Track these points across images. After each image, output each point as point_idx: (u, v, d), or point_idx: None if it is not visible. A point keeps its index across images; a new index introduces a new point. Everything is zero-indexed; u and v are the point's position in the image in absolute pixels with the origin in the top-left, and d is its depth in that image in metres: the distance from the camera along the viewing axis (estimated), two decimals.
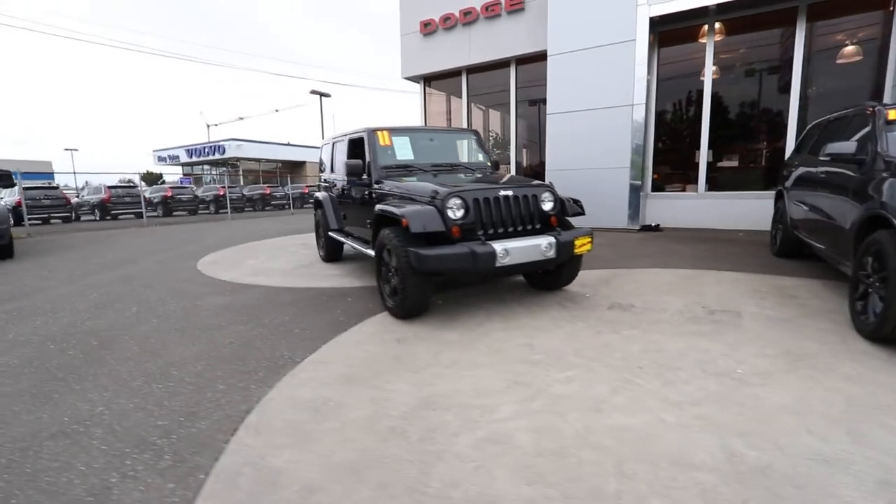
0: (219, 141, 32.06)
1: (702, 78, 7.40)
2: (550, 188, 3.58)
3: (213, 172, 34.74)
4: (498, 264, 3.06)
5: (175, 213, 18.58)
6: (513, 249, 3.11)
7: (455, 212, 3.12)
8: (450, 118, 11.06)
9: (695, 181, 7.70)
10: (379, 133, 4.24)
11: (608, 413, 1.95)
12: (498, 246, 3.06)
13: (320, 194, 5.74)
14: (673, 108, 7.98)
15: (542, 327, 3.08)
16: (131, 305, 3.94)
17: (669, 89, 7.80)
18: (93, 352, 2.84)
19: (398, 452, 1.71)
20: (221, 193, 19.98)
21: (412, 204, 3.32)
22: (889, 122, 3.22)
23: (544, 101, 8.41)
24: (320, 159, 6.14)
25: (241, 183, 26.66)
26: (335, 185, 5.25)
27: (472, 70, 9.75)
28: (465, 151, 4.65)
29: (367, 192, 4.12)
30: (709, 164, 7.58)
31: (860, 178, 3.07)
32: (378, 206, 3.56)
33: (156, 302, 4.03)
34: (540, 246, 3.24)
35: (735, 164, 7.64)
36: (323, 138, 24.02)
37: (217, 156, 32.01)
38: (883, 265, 2.56)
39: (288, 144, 35.38)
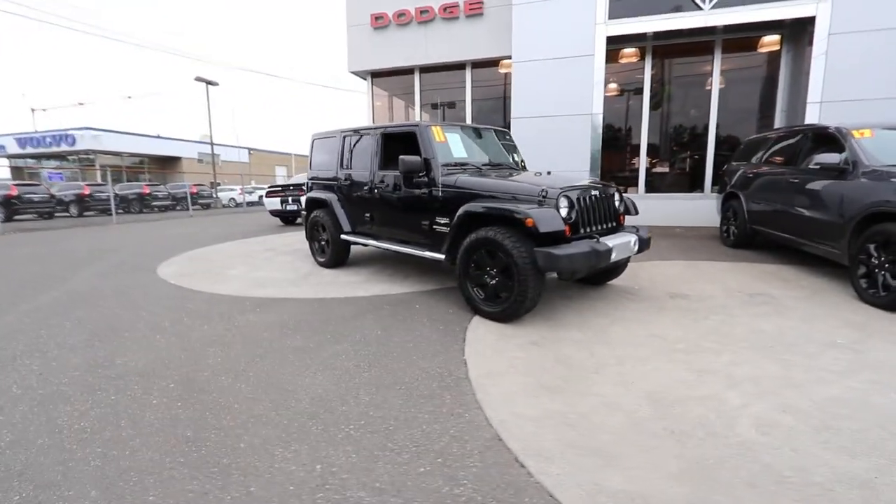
0: (66, 130, 26.07)
1: (644, 93, 8.47)
2: (617, 188, 3.81)
3: (54, 167, 28.26)
4: (611, 261, 3.17)
5: (17, 218, 14.60)
6: (616, 247, 3.24)
7: (565, 210, 3.13)
8: (392, 117, 10.80)
9: (635, 184, 8.78)
10: (434, 128, 4.00)
11: (809, 387, 2.19)
12: (610, 243, 3.17)
13: (321, 194, 5.16)
14: (616, 118, 8.97)
15: (642, 320, 3.26)
16: (159, 333, 3.09)
17: (614, 102, 8.74)
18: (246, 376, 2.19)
19: (711, 452, 1.70)
20: (87, 193, 16.49)
21: (513, 203, 3.22)
22: (848, 137, 4.16)
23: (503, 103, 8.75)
24: (311, 155, 5.51)
25: (101, 180, 22.27)
26: (348, 183, 4.78)
27: (426, 69, 9.67)
28: (503, 150, 4.63)
29: (427, 191, 3.85)
30: (647, 169, 8.71)
31: (854, 183, 3.88)
32: (469, 206, 3.38)
33: (186, 326, 3.21)
34: (629, 243, 3.44)
35: (666, 170, 8.90)
36: (211, 131, 21.30)
37: (64, 147, 26.05)
38: (893, 250, 3.30)
39: (158, 137, 30.48)
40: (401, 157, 3.84)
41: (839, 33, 6.74)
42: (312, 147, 5.49)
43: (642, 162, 8.72)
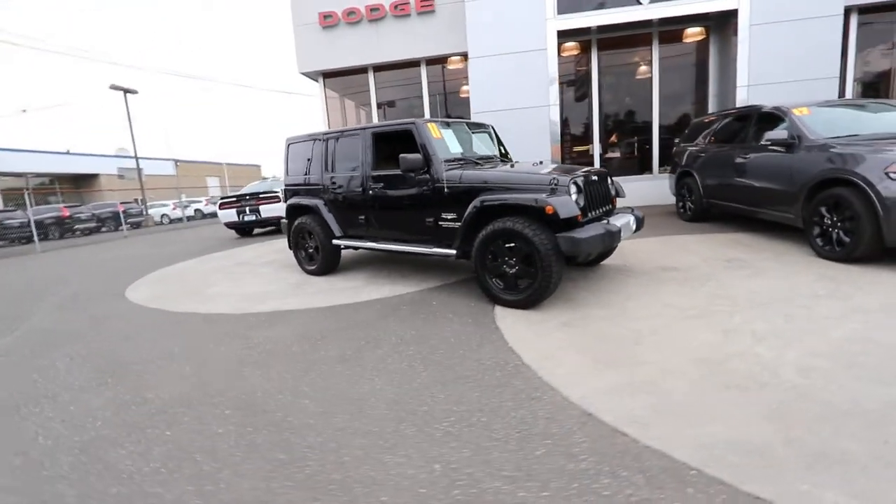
0: None
1: (591, 84, 8.96)
2: (609, 173, 4.05)
3: None
4: (620, 241, 3.38)
5: None
6: (622, 227, 3.46)
7: (575, 196, 3.29)
8: (346, 119, 10.58)
9: None
10: (430, 125, 4.01)
11: (820, 333, 2.50)
12: (618, 223, 3.38)
13: (306, 200, 4.98)
14: (569, 109, 9.41)
15: (650, 293, 3.51)
16: (175, 361, 2.84)
17: (565, 93, 9.16)
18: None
19: (773, 398, 1.91)
20: None
21: (526, 193, 3.33)
22: (790, 115, 4.72)
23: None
24: (287, 160, 5.29)
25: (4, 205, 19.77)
26: (336, 186, 4.66)
27: (380, 68, 9.54)
28: (489, 144, 4.73)
29: (429, 188, 3.85)
30: (600, 155, 9.24)
31: (801, 154, 4.41)
32: (483, 199, 3.44)
33: (201, 350, 2.98)
34: (629, 223, 3.68)
35: (617, 154, 9.49)
36: (134, 143, 19.56)
37: None
38: (848, 210, 3.81)
39: (68, 153, 27.39)
40: (401, 155, 3.82)
41: (759, 24, 7.54)
42: (288, 152, 5.27)
43: (596, 149, 9.23)
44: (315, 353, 2.81)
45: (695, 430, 1.71)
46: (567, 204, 3.14)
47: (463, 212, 3.67)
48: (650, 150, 9.17)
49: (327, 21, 9.03)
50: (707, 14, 8.04)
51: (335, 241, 4.78)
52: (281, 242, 7.97)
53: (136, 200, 21.51)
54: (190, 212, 21.37)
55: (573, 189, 3.29)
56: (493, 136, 4.91)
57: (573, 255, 3.20)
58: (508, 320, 3.14)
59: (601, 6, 8.01)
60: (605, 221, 3.38)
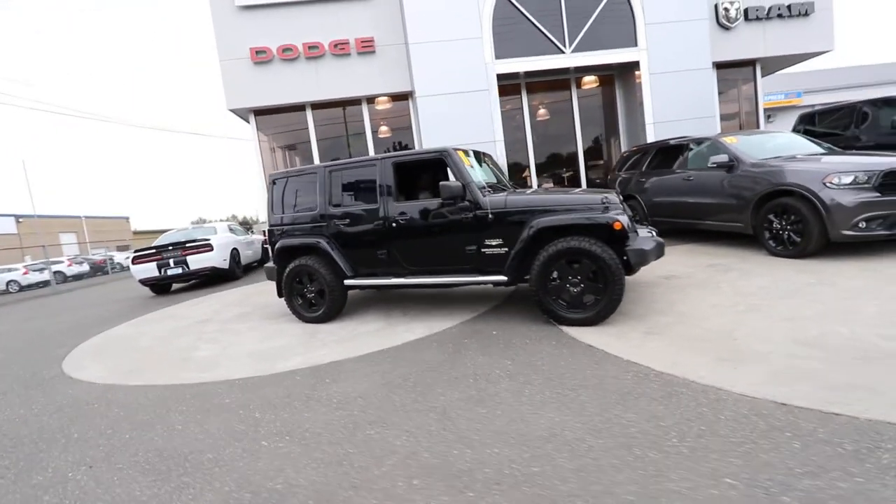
0: None
1: (525, 122, 9.79)
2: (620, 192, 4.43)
3: None
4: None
5: None
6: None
7: (627, 214, 3.52)
8: (275, 159, 9.92)
9: None
10: (460, 152, 3.97)
11: (858, 310, 2.99)
12: (655, 235, 3.69)
13: (304, 239, 4.47)
14: (508, 145, 10.10)
15: (687, 296, 3.85)
16: (290, 444, 2.22)
17: (508, 129, 9.85)
18: None
19: (877, 356, 2.22)
20: None
21: (579, 213, 3.46)
22: (723, 144, 5.73)
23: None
24: (271, 197, 4.73)
25: None
26: (347, 221, 4.30)
27: (318, 106, 9.21)
28: (488, 172, 4.82)
29: (471, 215, 3.77)
30: (538, 185, 10.01)
31: (742, 173, 5.32)
32: (539, 221, 3.48)
33: (279, 424, 2.39)
34: (654, 235, 4.04)
35: (551, 184, 10.38)
36: None
37: None
38: (795, 216, 4.68)
39: None
40: (442, 183, 3.71)
41: (656, 73, 9.10)
42: (273, 188, 4.74)
43: (534, 180, 9.99)
44: (430, 399, 2.48)
45: (886, 397, 1.91)
46: (628, 220, 3.35)
47: (509, 237, 3.67)
48: (578, 177, 10.22)
49: (260, 57, 8.51)
50: (612, 64, 9.45)
51: (348, 282, 4.34)
52: (231, 294, 6.94)
53: None
54: (46, 276, 17.46)
55: (622, 207, 3.53)
56: (497, 164, 5.04)
57: (637, 266, 3.38)
58: (591, 337, 3.16)
59: (531, 53, 8.92)
60: (651, 234, 3.67)
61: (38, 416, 3.01)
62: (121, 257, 25.33)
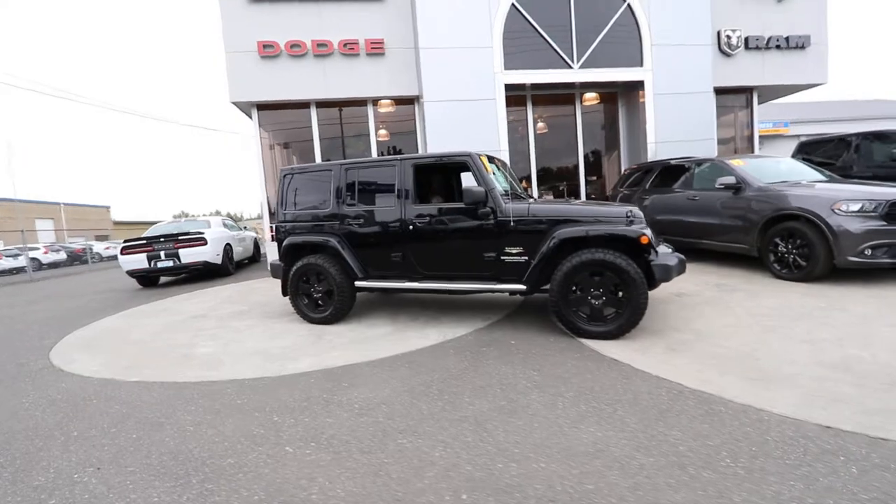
0: None
1: (528, 133, 9.84)
2: None
3: None
4: None
5: None
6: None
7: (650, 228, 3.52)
8: (275, 155, 9.75)
9: None
10: (483, 157, 3.93)
11: (875, 332, 3.02)
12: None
13: (314, 237, 4.36)
14: (512, 154, 10.12)
15: (702, 315, 3.85)
16: (320, 452, 2.09)
17: (511, 139, 9.88)
18: None
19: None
20: None
21: (603, 225, 3.44)
22: (731, 166, 5.83)
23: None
24: (283, 192, 4.60)
25: None
26: (361, 221, 4.20)
27: (323, 104, 9.10)
28: (500, 179, 4.79)
29: (493, 222, 3.71)
30: (538, 193, 10.04)
31: (750, 195, 5.40)
32: (563, 231, 3.44)
33: (311, 427, 2.27)
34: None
35: (551, 196, 10.42)
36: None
37: None
38: (801, 240, 4.76)
39: None
40: (466, 187, 3.66)
41: (660, 94, 9.26)
42: (284, 183, 4.61)
43: (534, 191, 10.02)
44: (459, 408, 2.39)
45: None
46: (653, 235, 3.34)
47: (530, 245, 3.62)
48: (577, 191, 10.30)
49: (267, 51, 8.37)
50: (616, 82, 9.59)
51: (358, 284, 4.23)
52: (225, 290, 6.73)
53: None
54: (22, 262, 16.76)
55: (645, 221, 3.52)
56: (508, 172, 5.01)
57: (661, 281, 3.37)
58: (614, 351, 3.12)
59: (540, 66, 8.99)
60: (671, 251, 3.66)
61: (29, 410, 2.81)
62: (100, 247, 24.50)
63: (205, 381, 3.09)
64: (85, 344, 4.34)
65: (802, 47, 10.13)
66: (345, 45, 8.59)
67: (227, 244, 8.64)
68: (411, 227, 4.01)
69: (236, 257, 9.24)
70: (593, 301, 3.40)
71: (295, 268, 4.41)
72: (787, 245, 4.94)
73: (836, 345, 2.91)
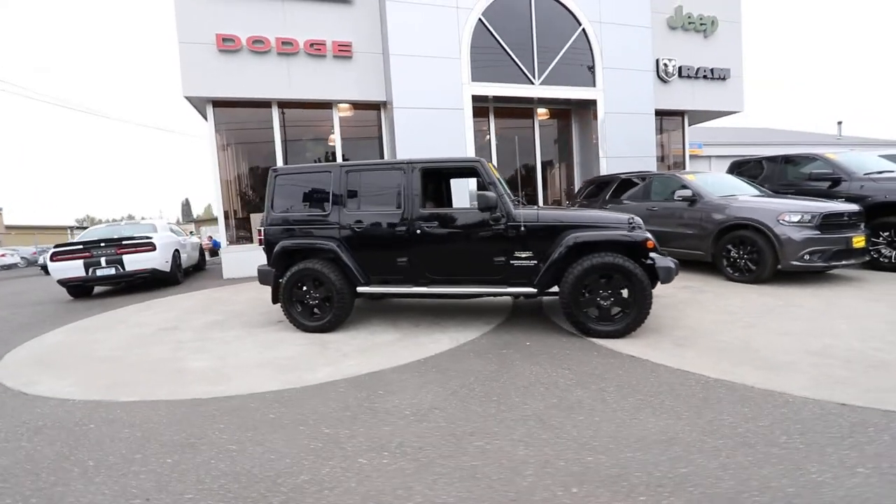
0: None
1: (490, 143, 10.14)
2: None
3: None
4: None
5: None
6: None
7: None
8: (236, 155, 9.15)
9: None
10: (490, 164, 4.02)
11: (862, 325, 3.52)
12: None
13: (311, 241, 4.15)
14: None
15: (687, 312, 4.22)
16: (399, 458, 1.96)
17: (476, 149, 10.11)
18: None
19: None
20: None
21: (608, 230, 3.67)
22: (686, 180, 6.48)
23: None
24: (272, 194, 4.34)
25: None
26: (363, 225, 4.09)
27: (286, 104, 8.70)
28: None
29: (503, 227, 3.80)
30: None
31: (704, 207, 6.04)
32: (576, 235, 3.62)
33: (374, 440, 2.14)
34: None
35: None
36: None
37: None
38: (752, 247, 5.41)
39: None
40: (479, 193, 3.73)
41: (610, 112, 10.03)
42: (275, 184, 4.36)
43: None
44: (515, 408, 2.42)
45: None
46: (656, 239, 3.62)
47: (539, 250, 3.77)
48: (535, 199, 10.78)
49: (227, 45, 7.85)
50: (571, 100, 10.22)
51: (360, 289, 4.10)
52: (185, 300, 6.13)
53: None
54: None
55: (644, 227, 3.81)
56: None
57: (664, 282, 3.65)
58: (627, 348, 3.33)
59: (504, 80, 9.34)
60: (666, 255, 3.99)
61: (10, 441, 2.38)
62: None
63: (218, 396, 2.82)
64: (37, 362, 3.75)
65: (724, 78, 11.52)
66: (311, 45, 8.31)
67: (176, 250, 7.89)
68: (418, 231, 3.98)
69: (183, 264, 8.46)
70: (602, 302, 3.61)
71: (289, 273, 4.18)
72: (739, 251, 5.58)
73: (810, 336, 3.36)
